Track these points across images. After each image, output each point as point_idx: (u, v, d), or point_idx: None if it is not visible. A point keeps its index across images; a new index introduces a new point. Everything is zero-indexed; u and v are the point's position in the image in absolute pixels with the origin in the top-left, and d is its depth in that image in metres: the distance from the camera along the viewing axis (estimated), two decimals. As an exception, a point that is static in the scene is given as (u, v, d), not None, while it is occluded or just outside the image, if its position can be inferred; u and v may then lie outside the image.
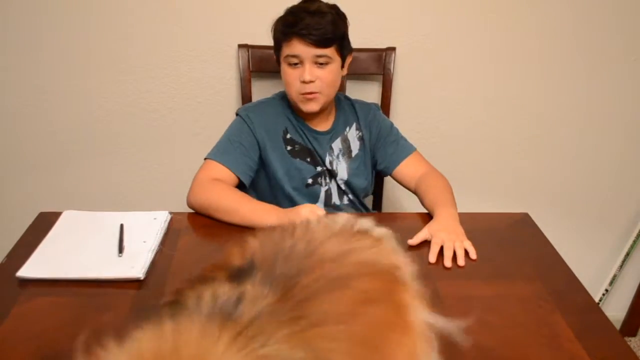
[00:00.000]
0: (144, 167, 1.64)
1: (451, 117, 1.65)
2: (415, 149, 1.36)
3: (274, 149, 1.30)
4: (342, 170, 1.35)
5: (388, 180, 1.48)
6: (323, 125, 1.34)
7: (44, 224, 1.13)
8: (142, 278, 0.98)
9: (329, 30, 1.18)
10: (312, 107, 1.25)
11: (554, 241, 1.17)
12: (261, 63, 1.49)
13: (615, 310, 1.96)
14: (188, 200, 1.19)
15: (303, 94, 1.23)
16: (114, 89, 1.54)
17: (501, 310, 0.94)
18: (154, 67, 1.52)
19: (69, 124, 1.57)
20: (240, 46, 1.48)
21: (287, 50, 1.21)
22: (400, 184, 1.35)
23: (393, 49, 1.50)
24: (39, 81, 1.52)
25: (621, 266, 1.88)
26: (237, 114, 1.32)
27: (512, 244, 1.14)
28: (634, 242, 1.84)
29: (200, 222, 1.18)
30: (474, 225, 1.15)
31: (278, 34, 1.23)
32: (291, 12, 1.22)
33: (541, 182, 1.76)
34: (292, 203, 1.31)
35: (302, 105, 1.25)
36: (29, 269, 0.99)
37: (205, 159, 1.25)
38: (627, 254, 1.86)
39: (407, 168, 1.33)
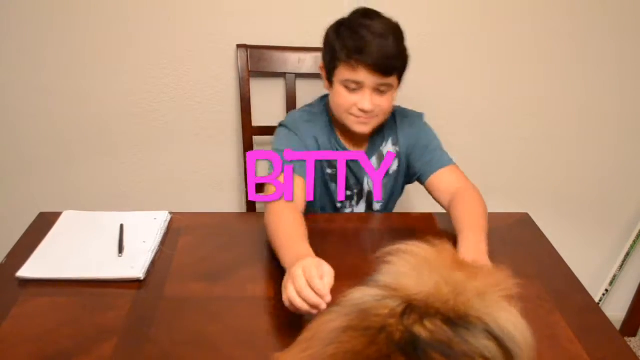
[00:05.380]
0: (144, 167, 1.64)
1: (451, 117, 1.65)
2: (453, 162, 1.24)
3: (318, 171, 1.23)
4: (375, 188, 1.28)
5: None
6: (359, 142, 1.25)
7: (44, 224, 1.13)
8: (142, 278, 0.99)
9: (397, 59, 1.11)
10: (364, 129, 1.17)
11: (554, 241, 1.17)
12: (260, 63, 1.49)
13: (615, 311, 1.96)
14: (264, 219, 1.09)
15: (357, 117, 1.15)
16: (113, 89, 1.54)
17: (501, 310, 0.94)
18: (154, 67, 1.52)
19: (69, 124, 1.57)
20: (239, 46, 1.48)
21: (347, 74, 1.11)
22: (434, 197, 1.23)
23: (393, 49, 1.50)
24: (39, 81, 1.51)
25: (621, 266, 1.88)
26: (283, 125, 1.23)
27: (512, 244, 1.14)
28: (634, 242, 1.84)
29: (200, 222, 1.18)
30: (474, 225, 1.15)
31: (339, 54, 1.11)
32: (354, 31, 1.10)
33: (541, 182, 1.76)
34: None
35: (353, 126, 1.17)
36: (29, 269, 0.99)
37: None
38: (627, 254, 1.86)
39: (441, 180, 1.21)
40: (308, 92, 1.54)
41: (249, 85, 1.50)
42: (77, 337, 0.86)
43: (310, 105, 1.29)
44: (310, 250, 0.94)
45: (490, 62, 1.58)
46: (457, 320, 0.57)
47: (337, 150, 1.24)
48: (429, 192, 1.24)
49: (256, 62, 1.49)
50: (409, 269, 0.63)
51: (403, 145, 1.27)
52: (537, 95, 1.64)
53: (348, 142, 1.25)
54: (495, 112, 1.65)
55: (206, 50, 1.51)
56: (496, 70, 1.60)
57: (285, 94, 1.53)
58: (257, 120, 1.53)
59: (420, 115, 1.31)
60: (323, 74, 1.20)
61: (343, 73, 1.12)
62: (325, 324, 0.61)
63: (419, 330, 0.56)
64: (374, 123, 1.17)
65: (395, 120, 1.27)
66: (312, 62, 1.49)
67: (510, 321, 0.60)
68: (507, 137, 1.69)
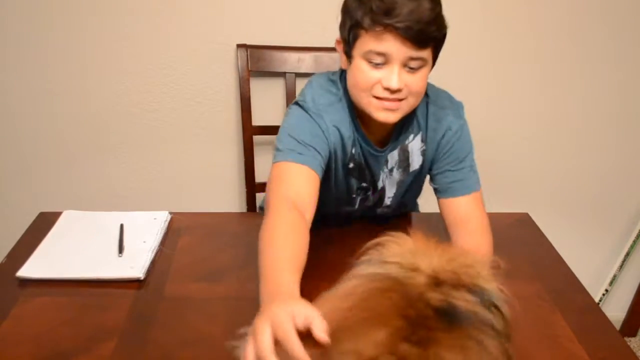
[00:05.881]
0: (144, 167, 1.64)
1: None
2: (479, 189, 1.06)
3: (340, 165, 1.04)
4: (392, 185, 1.11)
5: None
6: (382, 133, 1.04)
7: (44, 224, 1.13)
8: (142, 278, 0.98)
9: (434, 26, 0.89)
10: (390, 117, 0.96)
11: (554, 241, 1.17)
12: (260, 63, 1.49)
13: (615, 311, 1.96)
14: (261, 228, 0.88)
15: (381, 99, 0.93)
16: (113, 89, 1.54)
17: (501, 310, 0.94)
18: (154, 67, 1.52)
19: (69, 124, 1.57)
20: (239, 46, 1.48)
21: (371, 43, 0.90)
22: (442, 213, 1.09)
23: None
24: (39, 81, 1.51)
25: (621, 266, 1.88)
26: (301, 106, 1.01)
27: (512, 244, 1.14)
28: (634, 242, 1.84)
29: (200, 222, 1.18)
30: (474, 225, 1.15)
31: (360, 18, 0.90)
32: None
33: (541, 182, 1.76)
34: None
35: (376, 113, 0.95)
36: (29, 269, 0.99)
37: (274, 162, 0.97)
38: (627, 254, 1.86)
39: (459, 206, 1.05)
40: (308, 92, 1.54)
41: (248, 84, 1.50)
42: (77, 337, 0.86)
43: (331, 81, 1.04)
44: (293, 284, 0.73)
45: (491, 62, 1.58)
46: (480, 294, 0.61)
47: (359, 144, 1.04)
48: (440, 207, 1.09)
49: (256, 62, 1.49)
50: (412, 251, 0.65)
51: (431, 148, 1.07)
52: (537, 95, 1.64)
53: (371, 133, 1.04)
54: (495, 112, 1.65)
55: (206, 50, 1.51)
56: (496, 70, 1.60)
57: (285, 94, 1.53)
58: (257, 120, 1.53)
59: (458, 112, 1.07)
60: (340, 49, 1.00)
61: (366, 43, 0.91)
62: (350, 285, 0.63)
63: (456, 300, 0.59)
64: (402, 110, 0.96)
65: (427, 112, 1.05)
66: (311, 62, 1.49)
67: (502, 297, 0.64)
68: (507, 137, 1.69)
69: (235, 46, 1.49)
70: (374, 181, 1.11)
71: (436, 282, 0.60)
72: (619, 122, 1.68)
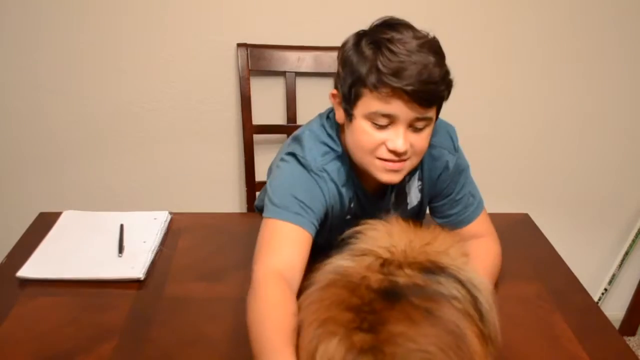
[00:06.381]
0: (144, 166, 1.64)
1: (450, 117, 1.64)
2: (483, 207, 1.06)
3: (336, 220, 1.00)
4: None
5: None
6: (380, 185, 0.98)
7: (44, 224, 1.13)
8: (142, 278, 0.99)
9: (442, 85, 0.85)
10: (394, 178, 0.91)
11: (554, 241, 1.17)
12: (260, 62, 1.49)
13: (614, 310, 1.96)
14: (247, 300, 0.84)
15: (384, 160, 0.88)
16: (114, 89, 1.54)
17: (501, 310, 0.94)
18: (153, 67, 1.52)
19: (69, 124, 1.57)
20: (239, 45, 1.48)
21: (376, 105, 0.84)
22: None
23: (393, 48, 1.50)
24: (39, 81, 1.51)
25: (620, 265, 1.88)
26: (299, 162, 0.94)
27: (512, 244, 1.14)
28: (633, 241, 1.84)
29: (200, 222, 1.18)
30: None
31: (364, 75, 0.84)
32: (386, 48, 0.83)
33: (541, 183, 1.76)
34: None
35: (379, 175, 0.90)
36: (29, 269, 0.99)
37: (265, 217, 0.92)
38: (626, 254, 1.86)
39: (467, 232, 1.03)
40: (308, 91, 1.54)
41: (249, 83, 1.50)
42: (77, 337, 0.86)
43: (330, 136, 0.97)
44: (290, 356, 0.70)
45: (491, 62, 1.58)
46: (432, 268, 0.67)
47: (357, 198, 0.99)
48: None
49: (256, 61, 1.49)
50: (379, 234, 0.72)
51: (428, 185, 1.04)
52: (537, 96, 1.63)
53: (368, 185, 1.00)
54: (495, 113, 1.65)
55: (206, 49, 1.51)
56: (496, 71, 1.59)
57: (285, 93, 1.53)
58: (258, 119, 1.53)
59: (453, 145, 1.05)
60: (336, 102, 0.93)
61: (370, 103, 0.85)
62: (306, 295, 0.70)
63: (397, 277, 0.64)
64: (405, 169, 0.91)
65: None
66: (311, 61, 1.49)
67: (471, 271, 0.70)
68: (507, 137, 1.69)
69: (235, 45, 1.49)
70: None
71: (382, 263, 0.66)
72: (618, 122, 1.68)
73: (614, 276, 1.91)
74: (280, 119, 1.58)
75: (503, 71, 1.60)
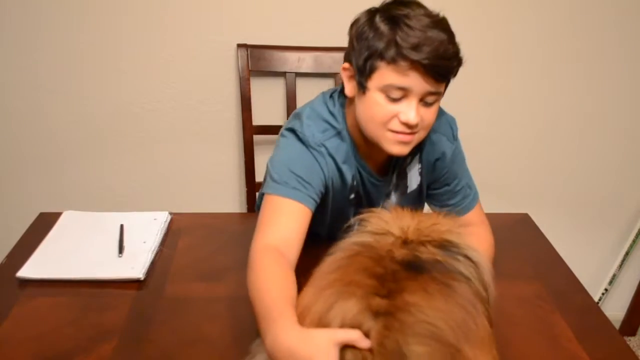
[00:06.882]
0: (144, 167, 1.64)
1: (451, 117, 1.65)
2: (478, 199, 1.10)
3: (339, 198, 1.02)
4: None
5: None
6: (382, 161, 1.03)
7: (44, 224, 1.13)
8: (142, 278, 0.99)
9: (455, 59, 0.91)
10: (403, 150, 0.94)
11: (554, 241, 1.17)
12: (260, 62, 1.49)
13: (615, 310, 1.96)
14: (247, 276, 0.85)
15: (396, 132, 0.91)
16: (114, 89, 1.54)
17: (501, 310, 0.94)
18: (153, 67, 1.52)
19: (69, 124, 1.57)
20: (239, 45, 1.48)
21: (393, 77, 0.87)
22: None
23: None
24: (40, 81, 1.51)
25: (620, 266, 1.88)
26: (298, 138, 0.96)
27: (512, 244, 1.14)
28: (633, 241, 1.84)
29: (200, 222, 1.18)
30: (474, 225, 1.15)
31: (382, 49, 0.86)
32: (404, 22, 0.86)
33: (541, 182, 1.76)
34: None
35: (390, 147, 0.92)
36: (29, 269, 0.99)
37: (265, 193, 0.93)
38: (627, 254, 1.86)
39: (462, 218, 1.05)
40: (308, 91, 1.53)
41: (249, 84, 1.50)
42: (77, 337, 0.86)
43: (331, 113, 0.99)
44: (296, 325, 0.68)
45: (491, 62, 1.58)
46: (448, 246, 0.71)
47: (360, 177, 1.02)
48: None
49: (256, 62, 1.49)
50: (389, 217, 0.76)
51: (427, 168, 1.07)
52: (537, 96, 1.64)
53: (371, 163, 1.02)
54: (495, 112, 1.65)
55: (206, 49, 1.51)
56: (496, 71, 1.60)
57: (286, 93, 1.53)
58: (258, 120, 1.53)
59: (452, 134, 1.09)
60: (347, 75, 0.94)
61: (386, 76, 0.87)
62: (327, 262, 0.72)
63: (420, 253, 0.68)
64: (414, 142, 0.94)
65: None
66: (311, 62, 1.49)
67: (475, 249, 0.74)
68: (507, 137, 1.69)
69: (235, 46, 1.49)
70: (373, 206, 1.05)
71: (404, 240, 0.71)
72: (619, 122, 1.68)
73: (614, 276, 1.91)
74: (280, 119, 1.58)
75: (503, 71, 1.60)
